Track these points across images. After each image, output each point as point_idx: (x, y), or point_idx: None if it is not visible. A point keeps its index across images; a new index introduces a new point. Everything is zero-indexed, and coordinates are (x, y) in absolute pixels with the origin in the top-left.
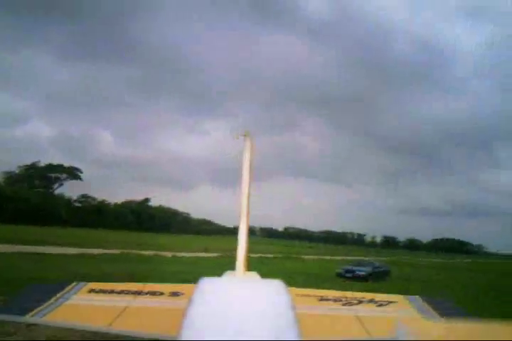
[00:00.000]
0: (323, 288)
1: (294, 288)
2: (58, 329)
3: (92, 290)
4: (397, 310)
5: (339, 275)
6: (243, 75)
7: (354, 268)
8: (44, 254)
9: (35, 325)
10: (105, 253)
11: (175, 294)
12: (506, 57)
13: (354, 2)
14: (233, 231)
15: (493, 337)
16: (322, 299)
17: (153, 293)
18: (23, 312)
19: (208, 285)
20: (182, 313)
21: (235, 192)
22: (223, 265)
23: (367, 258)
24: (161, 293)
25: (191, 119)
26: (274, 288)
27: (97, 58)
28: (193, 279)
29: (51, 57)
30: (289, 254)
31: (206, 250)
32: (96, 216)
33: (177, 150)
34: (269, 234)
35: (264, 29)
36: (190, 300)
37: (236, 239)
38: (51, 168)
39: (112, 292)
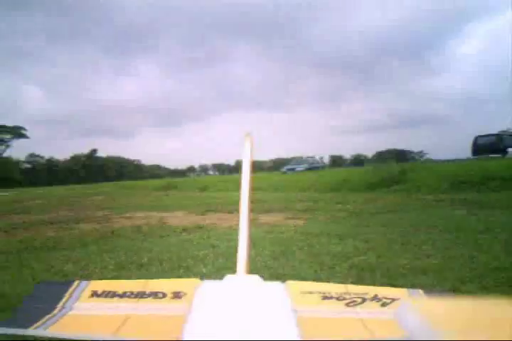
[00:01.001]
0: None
1: (295, 281)
2: None
3: (94, 293)
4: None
5: (284, 173)
6: (163, 11)
7: (294, 166)
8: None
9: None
10: (83, 188)
11: (177, 296)
12: None
13: None
14: (185, 173)
15: (501, 313)
16: (325, 297)
17: (155, 295)
18: (26, 324)
19: (209, 288)
20: (183, 319)
21: (180, 134)
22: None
23: (304, 157)
24: (164, 295)
25: (118, 62)
26: (276, 291)
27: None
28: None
29: None
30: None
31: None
32: (46, 174)
33: (110, 97)
34: (221, 169)
35: None
36: (191, 304)
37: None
38: None
39: (113, 295)
